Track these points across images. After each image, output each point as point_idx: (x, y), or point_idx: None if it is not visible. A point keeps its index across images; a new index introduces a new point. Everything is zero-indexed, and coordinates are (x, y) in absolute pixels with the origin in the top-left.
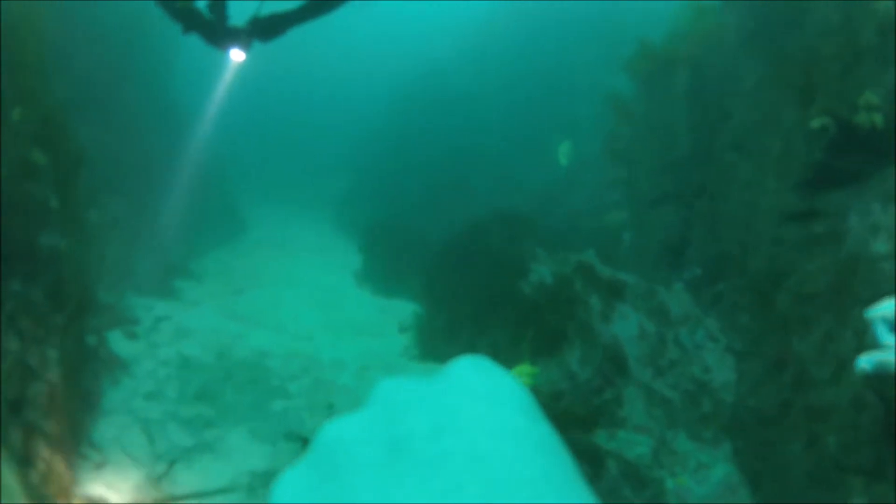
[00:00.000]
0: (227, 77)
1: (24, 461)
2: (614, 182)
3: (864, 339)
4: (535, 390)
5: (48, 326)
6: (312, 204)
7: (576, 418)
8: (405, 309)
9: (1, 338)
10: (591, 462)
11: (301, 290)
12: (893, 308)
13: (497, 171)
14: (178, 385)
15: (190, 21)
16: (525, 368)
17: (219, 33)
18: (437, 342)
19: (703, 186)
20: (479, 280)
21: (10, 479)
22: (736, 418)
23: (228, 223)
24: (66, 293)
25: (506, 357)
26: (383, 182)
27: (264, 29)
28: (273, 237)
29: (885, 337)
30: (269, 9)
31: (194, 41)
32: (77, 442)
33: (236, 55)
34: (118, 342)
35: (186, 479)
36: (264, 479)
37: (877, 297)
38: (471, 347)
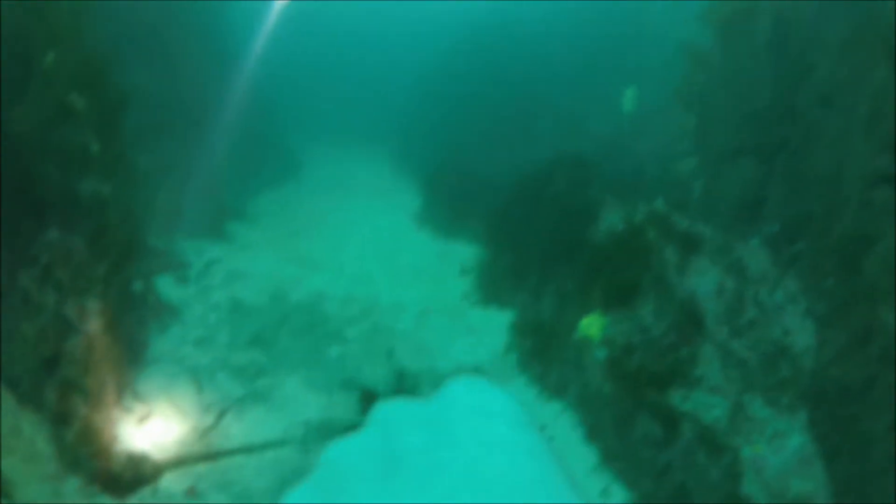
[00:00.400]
0: (276, 12)
1: (60, 420)
2: (684, 130)
3: None
4: (607, 341)
5: (89, 276)
6: (369, 143)
7: (650, 375)
8: (466, 252)
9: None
10: (664, 423)
11: (359, 231)
12: None
13: (561, 114)
14: (230, 330)
15: None
16: (596, 318)
17: None
18: (500, 286)
19: (784, 141)
20: (544, 224)
21: (42, 442)
22: (815, 387)
23: (284, 163)
24: (109, 240)
25: (574, 306)
26: (443, 121)
27: None
28: (330, 177)
29: None
30: None
31: None
32: (119, 395)
33: None
34: (167, 287)
35: (236, 432)
36: (319, 432)
37: None
38: (536, 294)
